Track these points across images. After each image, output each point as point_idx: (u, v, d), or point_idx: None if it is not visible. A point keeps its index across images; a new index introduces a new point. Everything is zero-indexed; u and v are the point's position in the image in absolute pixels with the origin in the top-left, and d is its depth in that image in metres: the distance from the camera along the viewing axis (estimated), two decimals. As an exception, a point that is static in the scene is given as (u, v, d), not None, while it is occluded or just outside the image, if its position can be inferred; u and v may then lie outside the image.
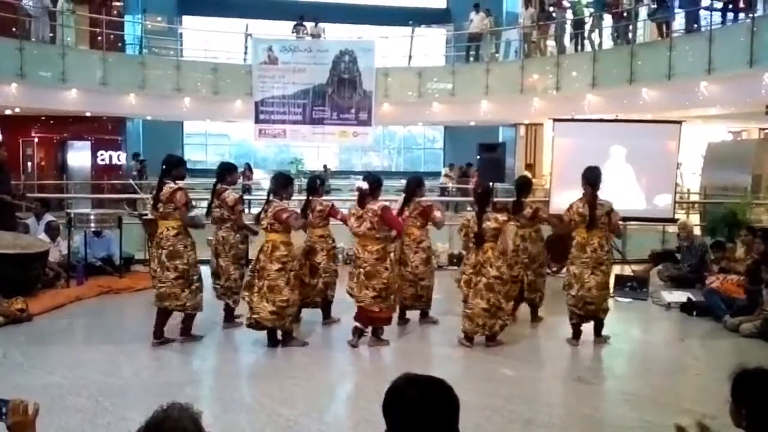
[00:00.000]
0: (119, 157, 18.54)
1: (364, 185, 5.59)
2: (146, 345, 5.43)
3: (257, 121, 16.53)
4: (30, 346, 5.47)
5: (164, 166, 5.46)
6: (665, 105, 13.11)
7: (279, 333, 5.43)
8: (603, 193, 5.61)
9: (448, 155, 23.36)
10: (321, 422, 4.01)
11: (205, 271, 5.90)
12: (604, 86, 13.98)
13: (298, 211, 5.74)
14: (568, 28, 15.45)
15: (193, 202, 5.82)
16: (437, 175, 20.33)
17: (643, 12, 14.37)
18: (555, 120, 10.09)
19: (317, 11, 18.25)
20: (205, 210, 6.28)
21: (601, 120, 11.87)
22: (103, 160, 18.44)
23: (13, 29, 13.64)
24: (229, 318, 6.06)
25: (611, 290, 6.30)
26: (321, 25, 17.16)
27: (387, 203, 5.68)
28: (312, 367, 5.14)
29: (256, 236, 5.92)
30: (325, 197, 6.66)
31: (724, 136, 16.37)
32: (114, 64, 15.31)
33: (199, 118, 20.74)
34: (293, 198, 6.13)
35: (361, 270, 5.46)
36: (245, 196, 9.24)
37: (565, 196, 6.94)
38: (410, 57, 17.62)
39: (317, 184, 6.26)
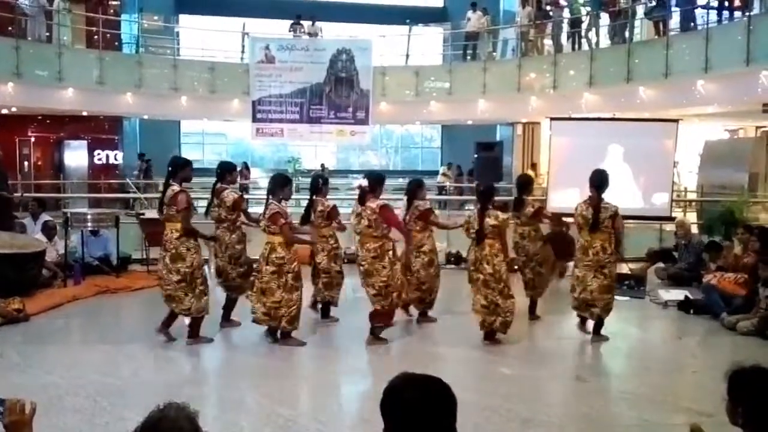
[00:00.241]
0: (116, 157, 18.50)
1: (365, 183, 5.60)
2: (144, 345, 5.42)
3: (254, 120, 16.48)
4: (27, 346, 5.46)
5: (170, 168, 5.43)
6: (662, 103, 13.12)
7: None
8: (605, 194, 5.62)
9: (446, 154, 23.37)
10: (319, 422, 4.01)
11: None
12: (601, 85, 13.98)
13: (296, 217, 5.74)
14: (565, 27, 15.44)
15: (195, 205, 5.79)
16: (434, 174, 20.34)
17: (640, 10, 14.39)
18: (552, 119, 10.11)
19: (314, 10, 18.20)
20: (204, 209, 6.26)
21: (599, 119, 11.88)
22: (99, 159, 18.40)
23: (10, 28, 13.58)
24: (227, 318, 6.05)
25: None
26: (318, 23, 17.13)
27: (386, 202, 5.69)
28: (310, 366, 5.14)
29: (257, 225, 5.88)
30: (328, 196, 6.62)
31: (720, 134, 16.39)
32: (111, 63, 15.26)
33: (196, 117, 20.69)
34: (292, 197, 6.12)
35: (360, 268, 5.49)
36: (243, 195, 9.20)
37: (562, 195, 6.96)
38: (407, 56, 17.58)
39: (320, 183, 6.23)
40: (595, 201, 5.55)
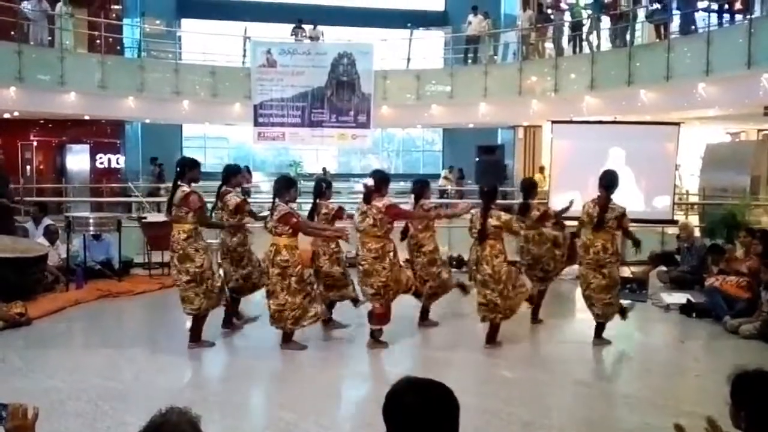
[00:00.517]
0: (118, 161, 18.52)
1: (370, 182, 5.61)
2: (146, 349, 5.42)
3: (256, 123, 16.50)
4: (29, 350, 5.47)
5: (178, 169, 5.44)
6: (663, 107, 13.11)
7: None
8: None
9: (447, 157, 23.34)
10: (320, 426, 4.00)
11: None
12: (602, 88, 13.98)
13: (305, 216, 5.77)
14: (566, 30, 15.46)
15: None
16: (436, 177, 20.32)
17: (641, 14, 14.39)
18: (553, 122, 10.11)
19: (316, 14, 18.24)
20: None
21: (600, 122, 11.88)
22: (102, 163, 18.41)
23: (12, 33, 13.63)
24: (228, 321, 6.05)
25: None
26: (319, 27, 17.16)
27: (392, 200, 5.70)
28: (311, 370, 5.14)
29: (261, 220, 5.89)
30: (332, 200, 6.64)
31: (722, 137, 16.37)
32: (113, 68, 15.29)
33: (197, 121, 20.69)
34: (297, 201, 6.12)
35: (360, 268, 5.50)
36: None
37: (563, 198, 6.96)
38: (408, 59, 17.60)
39: (323, 187, 6.24)
40: (603, 201, 5.57)
